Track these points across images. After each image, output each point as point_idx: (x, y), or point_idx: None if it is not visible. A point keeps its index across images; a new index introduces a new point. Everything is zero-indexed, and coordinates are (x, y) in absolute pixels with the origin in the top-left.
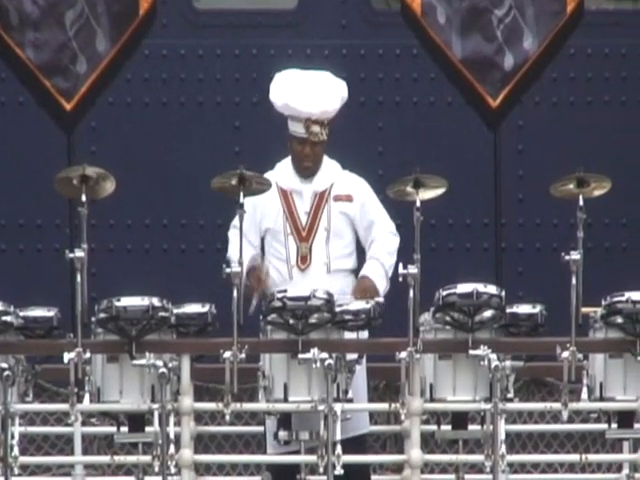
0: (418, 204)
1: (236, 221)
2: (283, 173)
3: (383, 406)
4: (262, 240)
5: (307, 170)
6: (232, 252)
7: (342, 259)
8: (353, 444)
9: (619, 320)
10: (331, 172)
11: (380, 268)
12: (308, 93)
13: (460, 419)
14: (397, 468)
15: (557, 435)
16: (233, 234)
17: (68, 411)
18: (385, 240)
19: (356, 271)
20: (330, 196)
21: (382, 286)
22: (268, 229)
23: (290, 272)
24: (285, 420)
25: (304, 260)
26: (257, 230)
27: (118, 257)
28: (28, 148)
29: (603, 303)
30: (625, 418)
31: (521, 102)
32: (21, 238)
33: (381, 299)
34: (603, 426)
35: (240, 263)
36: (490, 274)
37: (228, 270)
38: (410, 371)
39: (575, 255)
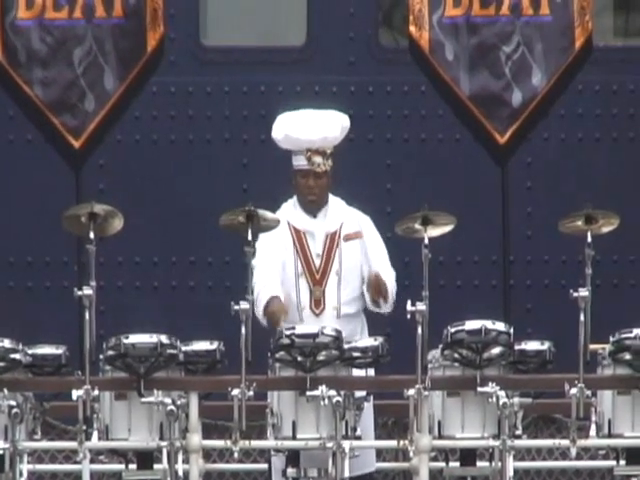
0: (426, 241)
1: (260, 259)
2: (293, 212)
3: (391, 443)
4: None
5: (312, 204)
6: (259, 290)
7: (352, 303)
8: None
9: (627, 357)
10: (339, 210)
11: (388, 278)
12: (307, 124)
13: (469, 456)
14: None
15: (565, 471)
16: (258, 271)
17: (76, 448)
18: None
19: (364, 310)
20: (340, 238)
21: (390, 291)
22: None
23: (301, 315)
24: (294, 457)
25: (318, 304)
26: (281, 261)
27: (126, 294)
28: (36, 185)
29: (611, 340)
30: (634, 455)
31: (529, 138)
32: (29, 275)
33: (389, 302)
34: (611, 463)
35: (275, 297)
36: (498, 311)
37: (236, 307)
38: (418, 408)
39: (583, 292)
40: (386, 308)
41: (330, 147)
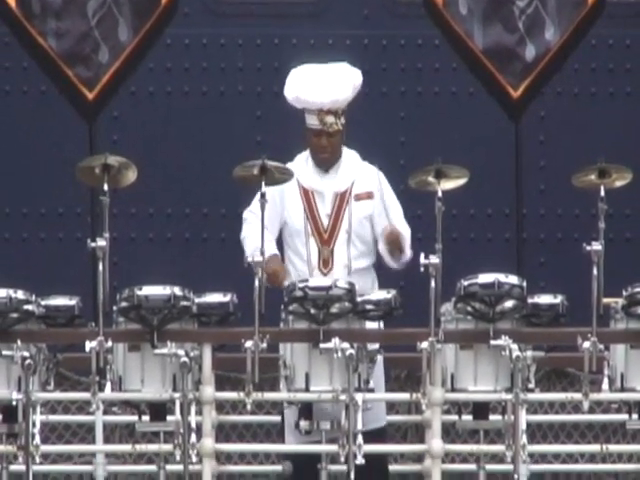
0: (440, 194)
1: (254, 207)
2: (304, 169)
3: (404, 396)
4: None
5: (325, 161)
6: (249, 236)
7: (362, 258)
8: (372, 436)
9: None
10: (351, 167)
11: (404, 231)
12: (318, 84)
13: (481, 409)
14: (418, 458)
15: (578, 425)
16: (251, 217)
17: (89, 400)
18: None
19: (375, 264)
20: (351, 196)
21: (407, 247)
22: (289, 224)
23: (311, 274)
24: (306, 410)
25: (326, 264)
26: (278, 221)
27: (140, 246)
28: (50, 137)
29: (624, 294)
30: None
31: (542, 93)
32: (43, 227)
33: (407, 257)
34: (624, 417)
35: (262, 252)
36: (511, 264)
37: (250, 259)
38: (431, 361)
39: (596, 246)
40: (404, 259)
41: (342, 106)
